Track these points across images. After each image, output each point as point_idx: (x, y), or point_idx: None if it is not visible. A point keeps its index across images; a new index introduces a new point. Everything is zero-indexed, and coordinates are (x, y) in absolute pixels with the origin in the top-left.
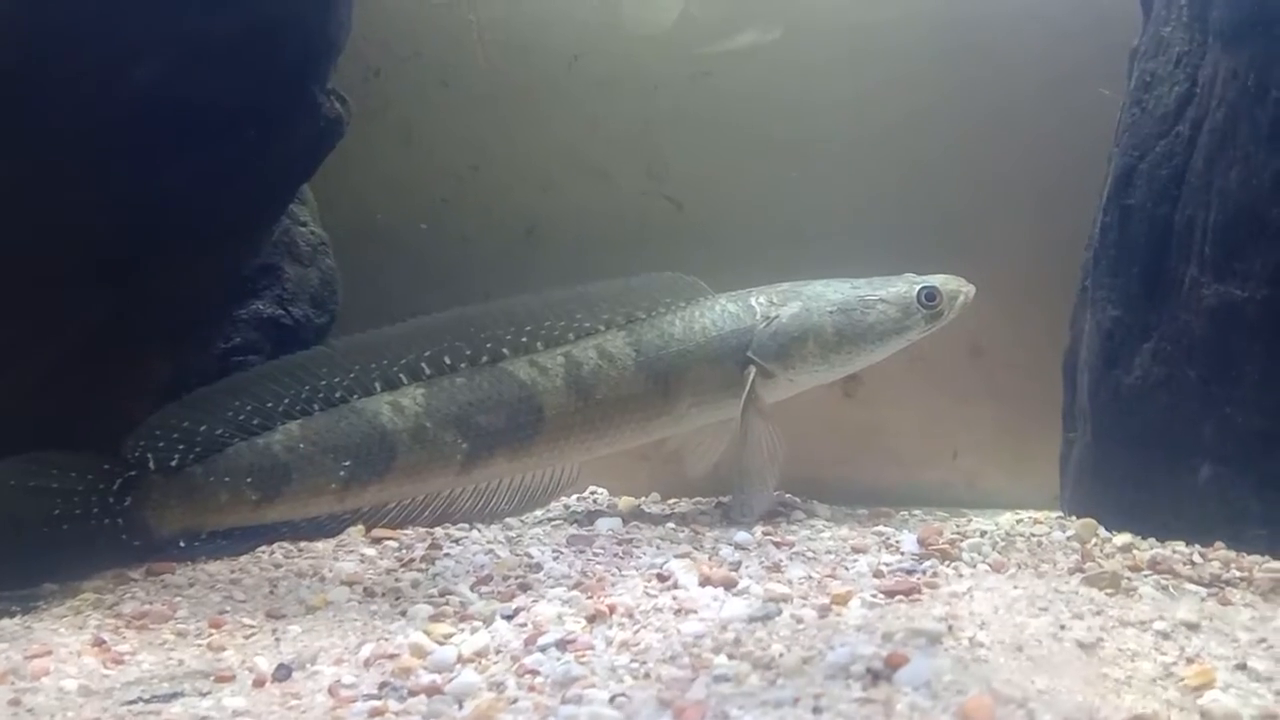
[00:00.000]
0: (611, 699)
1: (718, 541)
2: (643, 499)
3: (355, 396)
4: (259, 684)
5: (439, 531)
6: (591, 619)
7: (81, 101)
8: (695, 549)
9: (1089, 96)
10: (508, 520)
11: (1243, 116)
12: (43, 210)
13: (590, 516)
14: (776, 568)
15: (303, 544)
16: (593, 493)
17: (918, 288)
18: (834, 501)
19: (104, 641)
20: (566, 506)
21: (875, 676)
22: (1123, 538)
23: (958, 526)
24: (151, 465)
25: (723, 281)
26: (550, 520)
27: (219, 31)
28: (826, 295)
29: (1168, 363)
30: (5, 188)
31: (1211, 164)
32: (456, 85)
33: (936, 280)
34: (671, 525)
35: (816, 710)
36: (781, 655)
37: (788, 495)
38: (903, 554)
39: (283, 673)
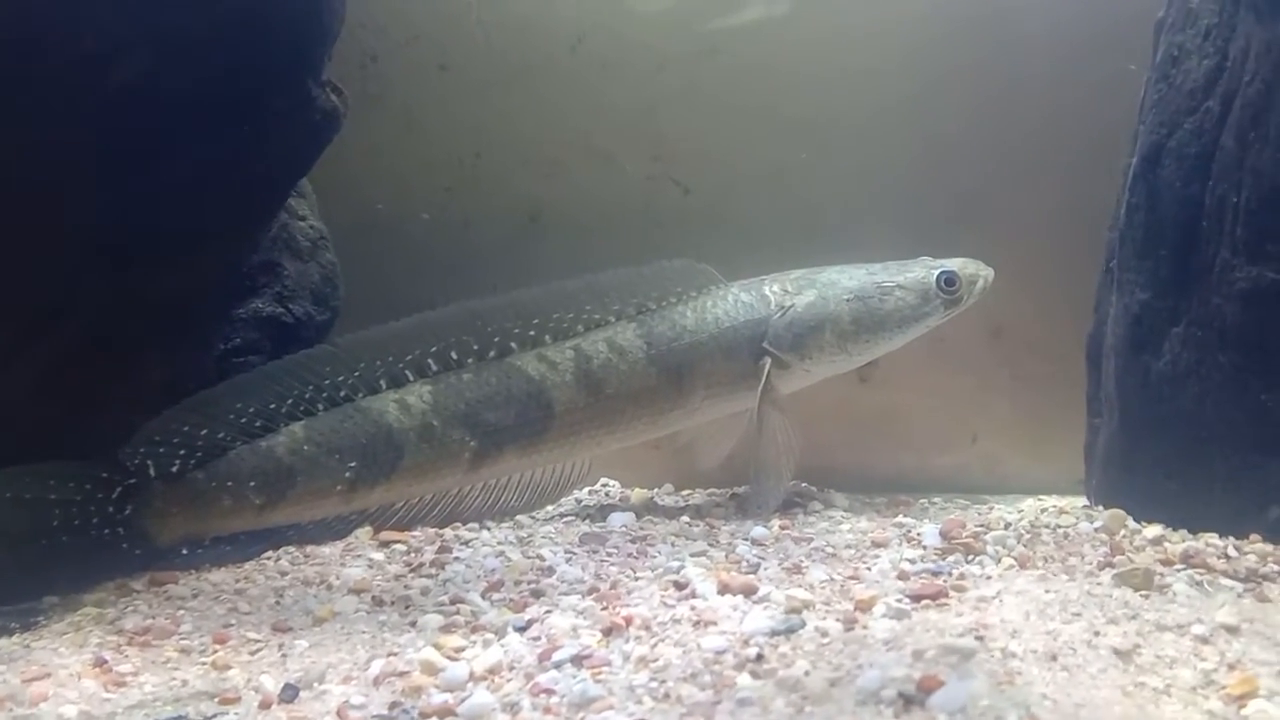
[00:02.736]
0: None
1: (734, 537)
2: (656, 490)
3: (360, 395)
4: (265, 706)
5: (448, 533)
6: (608, 632)
7: (66, 99)
8: (711, 546)
9: (1113, 70)
10: (518, 518)
11: (1277, 91)
12: (32, 210)
13: (603, 511)
14: (797, 569)
15: (309, 548)
16: (604, 485)
17: (936, 273)
18: (851, 489)
19: (105, 661)
20: (578, 501)
21: (908, 702)
22: (1153, 529)
23: (980, 517)
24: (152, 472)
25: (732, 267)
26: (562, 516)
27: (203, 25)
28: (842, 282)
29: (1199, 348)
30: None
31: (1244, 141)
32: (456, 69)
33: (955, 264)
34: (686, 519)
35: None
36: (807, 674)
37: (804, 484)
38: (925, 548)
39: (289, 693)
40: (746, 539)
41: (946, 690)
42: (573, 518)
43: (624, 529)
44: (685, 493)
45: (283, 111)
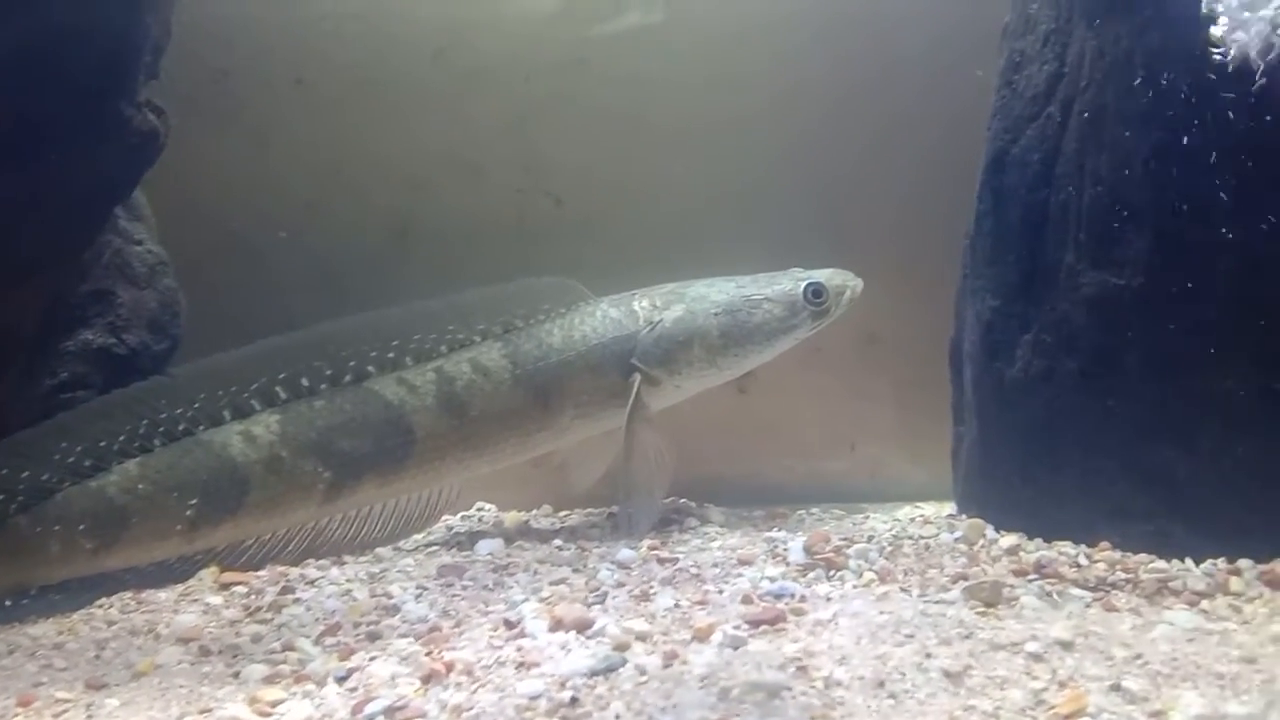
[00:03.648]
0: None
1: (601, 560)
2: (532, 513)
3: (201, 428)
4: None
5: (294, 572)
6: (426, 679)
7: None
8: (575, 572)
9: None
10: (379, 550)
11: (1111, 97)
12: None
13: (473, 538)
14: (646, 596)
15: (145, 594)
16: (479, 510)
17: (803, 284)
18: (733, 502)
19: None
20: (450, 528)
21: None
22: (1010, 539)
23: (851, 529)
24: None
25: (607, 281)
26: (428, 546)
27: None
28: (710, 296)
29: (1048, 354)
30: None
31: (1083, 147)
32: (312, 83)
33: (822, 275)
34: (559, 543)
35: None
36: (618, 718)
37: (682, 500)
38: (789, 565)
39: None
40: (614, 562)
41: None
42: (438, 547)
43: (489, 557)
44: (563, 514)
45: (94, 133)
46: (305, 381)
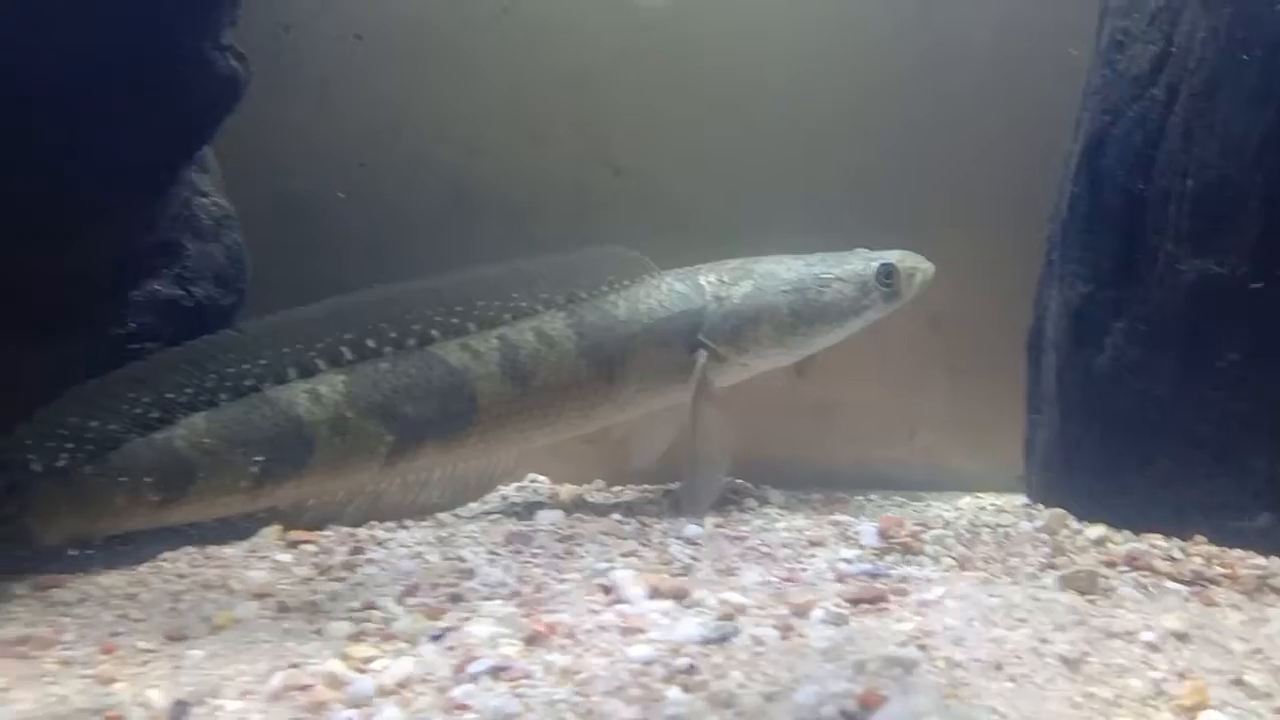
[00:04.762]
0: None
1: (666, 535)
2: (586, 487)
3: (268, 385)
4: None
5: (363, 532)
6: (529, 641)
7: None
8: (643, 545)
9: (1053, 58)
10: (439, 516)
11: (1223, 78)
12: None
13: (530, 509)
14: (730, 570)
15: (211, 549)
16: (532, 482)
17: (875, 265)
18: (786, 485)
19: None
20: (504, 498)
21: (849, 719)
22: (1096, 530)
23: (918, 515)
24: (36, 467)
25: (663, 252)
26: (487, 514)
27: None
28: (779, 274)
29: (1142, 343)
30: None
31: (1189, 129)
32: (373, 39)
33: (893, 257)
34: (617, 517)
35: None
36: (742, 688)
37: (739, 481)
38: (863, 548)
39: (179, 710)
40: (680, 538)
41: (890, 707)
42: (499, 515)
43: (552, 527)
44: (616, 489)
45: (175, 76)
46: (370, 343)
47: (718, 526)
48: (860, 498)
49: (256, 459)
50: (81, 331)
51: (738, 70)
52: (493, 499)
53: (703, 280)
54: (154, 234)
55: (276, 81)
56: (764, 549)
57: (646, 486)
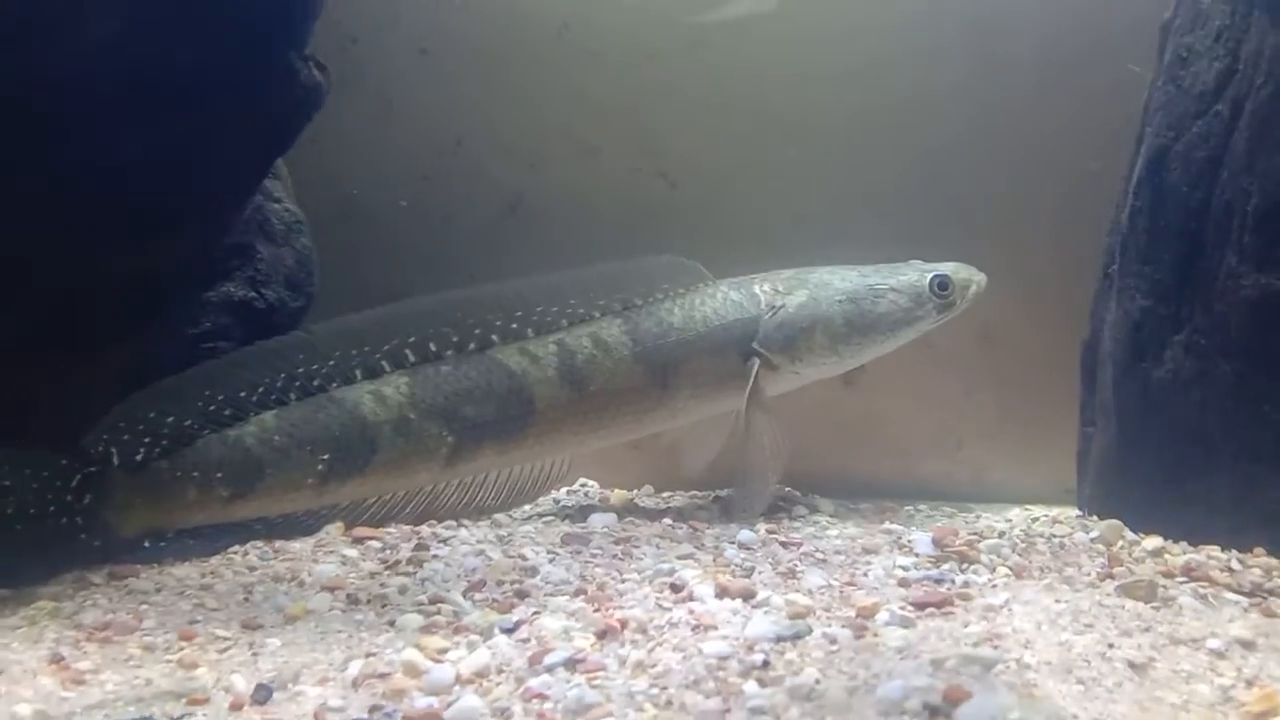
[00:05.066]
0: None
1: (720, 540)
2: (636, 492)
3: (334, 385)
4: (236, 707)
5: (425, 530)
6: (601, 635)
7: (28, 55)
8: (697, 549)
9: (1109, 73)
10: (496, 517)
11: None
12: None
13: (583, 512)
14: (792, 574)
15: (278, 544)
16: (583, 485)
17: (929, 276)
18: (833, 494)
19: (63, 658)
20: (556, 501)
21: (934, 713)
22: (1152, 541)
23: (970, 525)
24: (114, 460)
25: (717, 264)
26: (541, 516)
27: None
28: (834, 284)
29: (1201, 356)
30: None
31: (1254, 146)
32: (437, 53)
33: (948, 268)
34: (669, 521)
35: None
36: (819, 683)
37: (788, 489)
38: (918, 555)
39: (263, 694)
40: (733, 542)
41: (975, 702)
42: (552, 517)
43: (606, 530)
44: (666, 494)
45: (262, 84)
46: (432, 347)
47: (770, 533)
48: (909, 508)
49: (323, 457)
50: (158, 330)
51: (790, 85)
52: (544, 502)
53: (757, 289)
54: (229, 237)
55: (340, 91)
56: (819, 555)
57: (695, 493)
